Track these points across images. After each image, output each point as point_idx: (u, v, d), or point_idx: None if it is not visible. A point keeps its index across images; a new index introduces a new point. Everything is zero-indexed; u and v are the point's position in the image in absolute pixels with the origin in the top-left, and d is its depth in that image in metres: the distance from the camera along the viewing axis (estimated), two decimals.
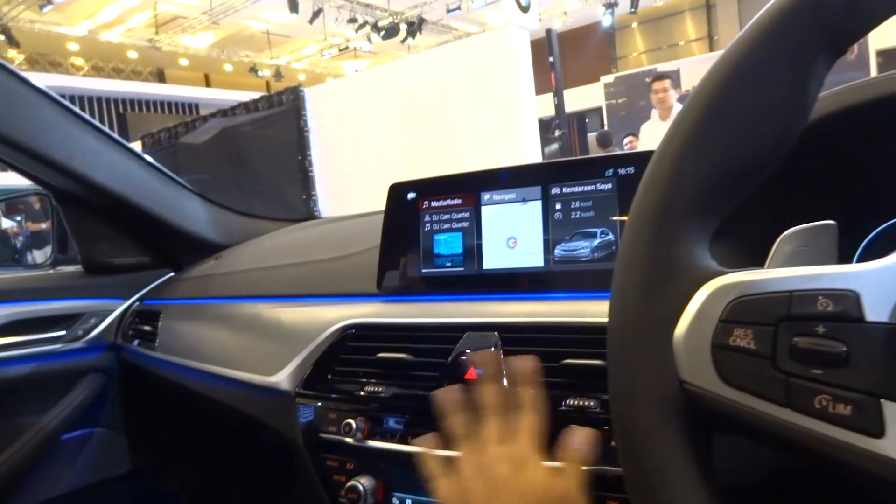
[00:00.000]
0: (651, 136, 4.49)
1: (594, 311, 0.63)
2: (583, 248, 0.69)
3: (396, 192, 0.83)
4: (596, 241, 0.68)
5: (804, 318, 0.29)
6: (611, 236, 0.68)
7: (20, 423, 1.12)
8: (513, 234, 0.75)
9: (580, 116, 11.45)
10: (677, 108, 4.07)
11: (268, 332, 0.90)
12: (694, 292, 0.32)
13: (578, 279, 0.69)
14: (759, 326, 0.30)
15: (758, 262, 0.37)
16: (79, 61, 12.16)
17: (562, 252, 0.70)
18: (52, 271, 1.39)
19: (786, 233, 0.36)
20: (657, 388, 0.32)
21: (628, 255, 0.35)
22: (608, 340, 0.36)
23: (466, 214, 0.78)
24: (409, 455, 0.65)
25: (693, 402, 0.32)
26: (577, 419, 0.56)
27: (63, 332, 1.17)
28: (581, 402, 0.58)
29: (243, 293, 1.04)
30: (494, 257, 0.75)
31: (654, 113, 4.44)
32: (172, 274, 1.29)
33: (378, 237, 0.84)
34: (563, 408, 0.58)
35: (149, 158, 1.20)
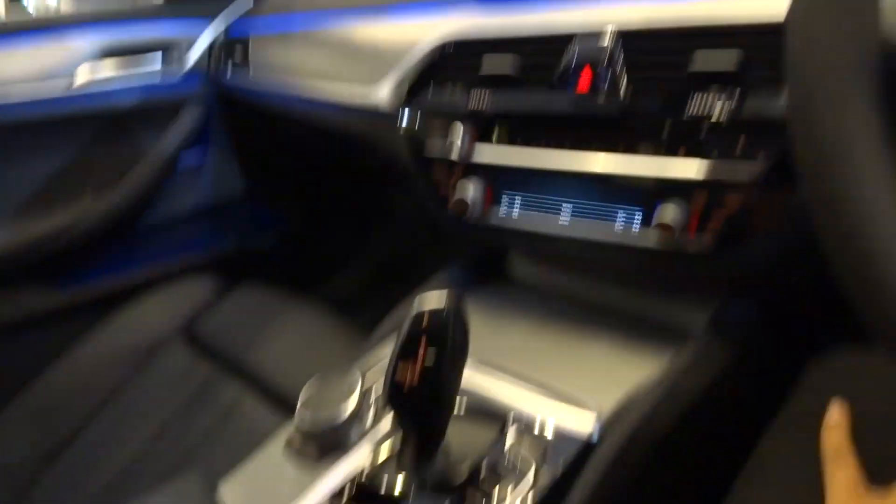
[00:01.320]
0: None
1: (728, 6, 0.55)
2: None
3: None
4: None
5: None
6: None
7: (136, 151, 1.22)
8: None
9: None
10: None
11: (363, 52, 0.88)
12: None
13: None
14: None
15: None
16: None
17: None
18: None
19: None
20: (850, 44, 0.28)
21: None
22: None
23: None
24: (516, 160, 0.66)
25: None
26: (699, 127, 0.54)
27: (160, 66, 1.19)
28: (709, 107, 0.54)
29: (328, 6, 0.99)
30: None
31: None
32: None
33: None
34: (687, 115, 0.54)
35: None
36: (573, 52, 0.62)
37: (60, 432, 1.04)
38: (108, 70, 1.13)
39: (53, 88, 1.09)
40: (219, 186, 1.35)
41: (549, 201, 0.66)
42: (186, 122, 1.24)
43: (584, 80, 0.62)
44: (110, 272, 1.25)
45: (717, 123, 0.53)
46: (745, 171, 0.52)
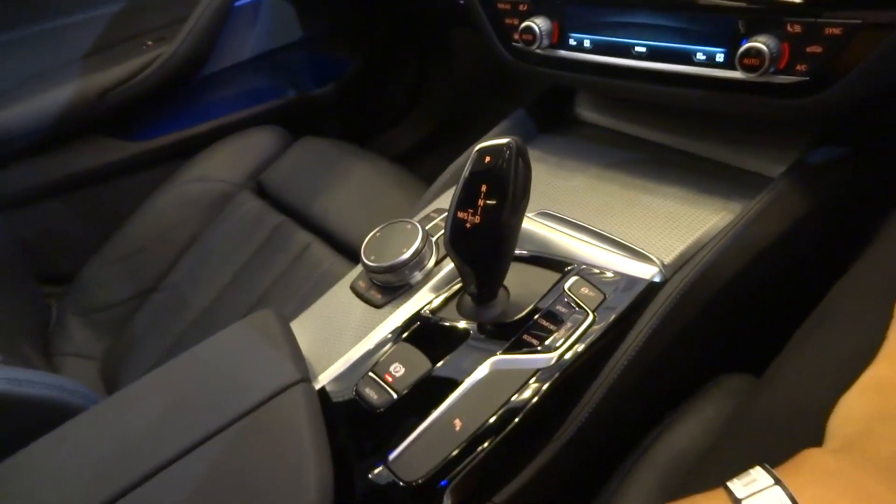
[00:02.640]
0: None
1: None
2: None
3: None
4: None
5: None
6: None
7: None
8: None
9: None
10: None
11: None
12: None
13: None
14: None
15: None
16: None
17: None
18: None
19: None
20: None
21: None
22: None
23: None
24: None
25: None
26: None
27: None
28: None
29: None
30: None
31: None
32: None
33: None
34: None
35: None
36: None
37: (146, 276, 1.12)
38: None
39: None
40: (277, 29, 1.31)
41: (621, 44, 0.60)
42: None
43: None
44: (178, 124, 1.27)
45: None
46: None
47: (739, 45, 0.51)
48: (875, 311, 0.43)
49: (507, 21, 0.68)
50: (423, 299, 0.58)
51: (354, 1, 1.40)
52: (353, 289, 0.63)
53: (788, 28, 0.49)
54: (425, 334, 0.55)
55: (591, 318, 0.51)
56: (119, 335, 1.08)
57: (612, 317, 0.51)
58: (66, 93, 1.12)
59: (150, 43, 1.20)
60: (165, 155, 1.25)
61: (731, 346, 0.64)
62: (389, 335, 0.56)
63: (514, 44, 0.69)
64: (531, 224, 0.62)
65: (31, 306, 1.16)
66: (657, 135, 0.72)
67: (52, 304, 1.20)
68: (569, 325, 0.51)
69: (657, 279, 0.53)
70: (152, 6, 1.25)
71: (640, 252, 0.56)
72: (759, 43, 0.49)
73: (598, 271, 0.55)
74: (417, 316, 0.57)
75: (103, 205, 1.24)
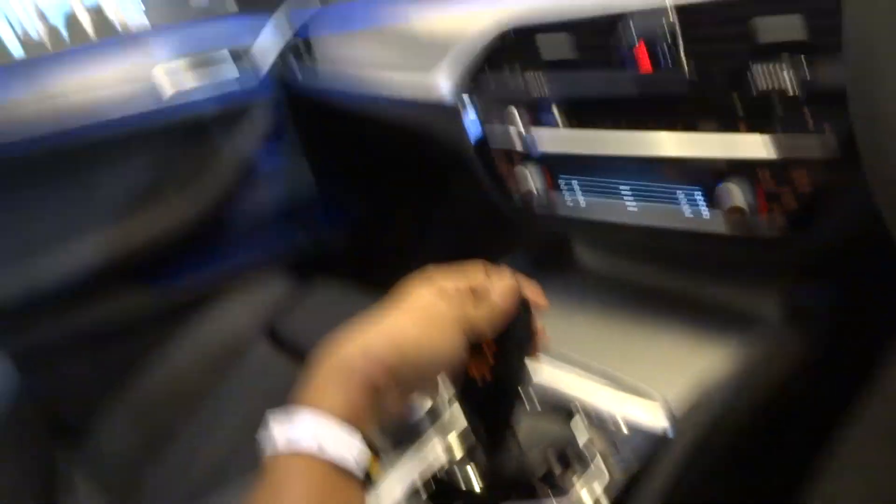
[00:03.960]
0: None
1: None
2: None
3: None
4: None
5: None
6: None
7: (216, 155, 1.28)
8: None
9: None
10: None
11: (422, 44, 0.88)
12: None
13: None
14: None
15: None
16: None
17: None
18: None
19: None
20: None
21: None
22: None
23: None
24: (575, 145, 0.65)
25: None
26: (765, 102, 0.51)
27: (234, 73, 1.24)
28: (774, 80, 0.51)
29: None
30: None
31: None
32: None
33: None
34: (751, 78, 0.52)
35: None
36: (631, 31, 0.60)
37: (160, 427, 1.11)
38: (187, 81, 1.20)
39: (139, 102, 1.16)
40: (292, 186, 1.40)
41: (608, 184, 0.65)
42: (260, 124, 1.30)
43: (644, 59, 0.60)
44: (196, 274, 1.32)
45: (782, 96, 0.50)
46: (815, 146, 0.49)
47: (715, 187, 0.55)
48: (888, 441, 0.42)
49: (504, 177, 0.73)
50: (434, 451, 0.58)
51: (362, 156, 1.50)
52: None
53: (761, 176, 0.53)
54: (440, 495, 0.54)
55: (605, 470, 0.51)
56: (129, 493, 1.05)
57: (628, 469, 0.51)
58: (94, 248, 1.18)
59: (174, 199, 1.28)
60: (182, 303, 1.29)
61: (750, 486, 0.62)
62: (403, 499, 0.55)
63: (509, 192, 0.74)
64: (536, 367, 0.62)
65: (39, 463, 1.14)
66: (653, 276, 0.75)
67: (61, 460, 1.18)
68: (583, 478, 0.51)
69: (670, 431, 0.53)
70: (180, 162, 1.34)
71: (645, 397, 0.56)
72: (734, 191, 0.53)
73: (608, 420, 0.55)
74: (430, 476, 0.56)
75: (118, 355, 1.26)
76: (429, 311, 0.45)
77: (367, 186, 1.55)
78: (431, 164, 1.36)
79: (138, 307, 1.27)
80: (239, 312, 1.21)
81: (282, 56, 1.26)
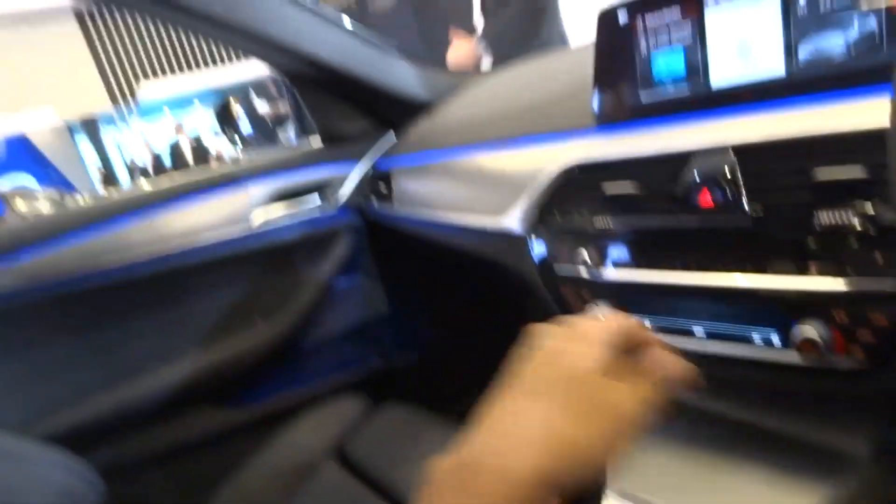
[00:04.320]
0: None
1: (851, 115, 0.55)
2: (836, 43, 0.59)
3: (606, 17, 0.78)
4: (853, 33, 0.58)
5: None
6: (872, 24, 0.57)
7: (298, 279, 1.36)
8: (744, 39, 0.66)
9: None
10: None
11: (493, 179, 0.94)
12: None
13: (829, 81, 0.60)
14: None
15: None
16: None
17: (809, 54, 0.61)
18: (296, 146, 1.58)
19: None
20: None
21: None
22: None
23: (687, 26, 0.70)
24: (644, 282, 0.66)
25: None
26: (832, 240, 0.52)
27: (319, 202, 1.35)
28: (839, 219, 0.52)
29: (459, 142, 1.08)
30: (723, 70, 0.68)
31: None
32: (393, 134, 1.39)
33: (588, 69, 0.80)
34: (818, 228, 0.53)
35: (356, 27, 1.26)
36: (694, 171, 0.63)
37: None
38: (277, 211, 1.30)
39: (232, 231, 1.26)
40: (366, 308, 1.46)
41: (679, 323, 0.65)
42: (340, 250, 1.38)
43: (707, 198, 0.62)
44: (271, 394, 1.37)
45: (849, 235, 0.51)
46: (889, 283, 0.48)
47: (791, 327, 0.54)
48: None
49: (573, 311, 0.75)
50: None
51: (435, 281, 1.55)
52: None
53: (836, 314, 0.52)
54: None
55: None
56: None
57: None
58: (182, 368, 1.25)
59: (258, 321, 1.36)
60: (256, 422, 1.32)
61: None
62: None
63: None
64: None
65: None
66: (728, 410, 0.73)
67: None
68: None
69: None
70: (265, 286, 1.43)
71: None
72: (810, 329, 0.52)
73: None
74: None
75: (195, 470, 1.29)
76: (591, 394, 0.33)
77: (438, 310, 1.59)
78: (502, 290, 1.39)
79: (215, 424, 1.31)
80: (310, 432, 1.23)
81: (361, 187, 1.36)
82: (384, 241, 1.42)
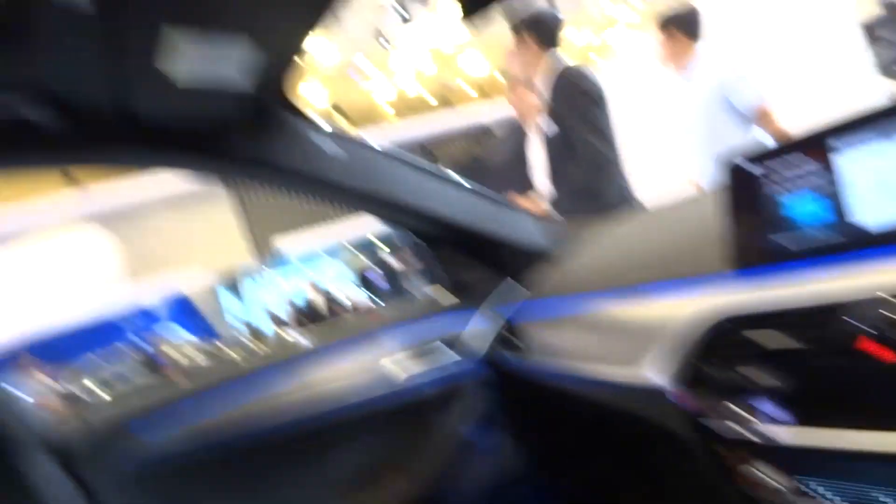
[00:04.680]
0: None
1: None
2: None
3: (736, 169, 0.78)
4: None
5: None
6: None
7: (436, 433, 1.36)
8: (882, 179, 0.64)
9: None
10: None
11: (630, 329, 0.92)
12: None
13: None
14: None
15: None
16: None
17: None
18: (423, 297, 1.64)
19: None
20: None
21: None
22: None
23: (816, 171, 0.69)
24: (821, 445, 0.60)
25: None
26: None
27: (450, 357, 1.37)
28: None
29: (587, 289, 1.08)
30: (868, 212, 0.65)
31: None
32: (514, 282, 1.41)
33: (711, 218, 0.80)
34: None
35: (474, 185, 1.34)
36: (849, 321, 0.59)
37: None
38: (411, 368, 1.33)
39: (369, 388, 1.30)
40: (503, 465, 1.41)
41: (863, 492, 0.58)
42: (474, 405, 1.37)
43: (874, 349, 0.57)
44: None
45: None
46: None
47: None
48: None
49: (730, 466, 0.69)
50: None
51: (573, 436, 1.48)
52: None
53: None
54: None
55: None
56: None
57: None
58: None
59: (394, 476, 1.35)
60: None
61: None
62: None
63: (740, 487, 0.69)
64: None
65: None
66: None
67: None
68: None
69: None
70: (401, 441, 1.42)
71: None
72: None
73: None
74: None
75: None
76: None
77: (578, 468, 1.51)
78: (645, 448, 1.31)
79: None
80: None
81: (494, 341, 1.37)
82: (520, 396, 1.40)
